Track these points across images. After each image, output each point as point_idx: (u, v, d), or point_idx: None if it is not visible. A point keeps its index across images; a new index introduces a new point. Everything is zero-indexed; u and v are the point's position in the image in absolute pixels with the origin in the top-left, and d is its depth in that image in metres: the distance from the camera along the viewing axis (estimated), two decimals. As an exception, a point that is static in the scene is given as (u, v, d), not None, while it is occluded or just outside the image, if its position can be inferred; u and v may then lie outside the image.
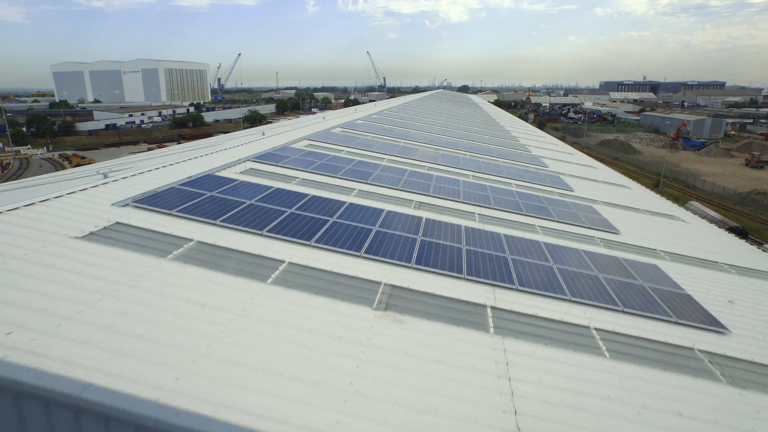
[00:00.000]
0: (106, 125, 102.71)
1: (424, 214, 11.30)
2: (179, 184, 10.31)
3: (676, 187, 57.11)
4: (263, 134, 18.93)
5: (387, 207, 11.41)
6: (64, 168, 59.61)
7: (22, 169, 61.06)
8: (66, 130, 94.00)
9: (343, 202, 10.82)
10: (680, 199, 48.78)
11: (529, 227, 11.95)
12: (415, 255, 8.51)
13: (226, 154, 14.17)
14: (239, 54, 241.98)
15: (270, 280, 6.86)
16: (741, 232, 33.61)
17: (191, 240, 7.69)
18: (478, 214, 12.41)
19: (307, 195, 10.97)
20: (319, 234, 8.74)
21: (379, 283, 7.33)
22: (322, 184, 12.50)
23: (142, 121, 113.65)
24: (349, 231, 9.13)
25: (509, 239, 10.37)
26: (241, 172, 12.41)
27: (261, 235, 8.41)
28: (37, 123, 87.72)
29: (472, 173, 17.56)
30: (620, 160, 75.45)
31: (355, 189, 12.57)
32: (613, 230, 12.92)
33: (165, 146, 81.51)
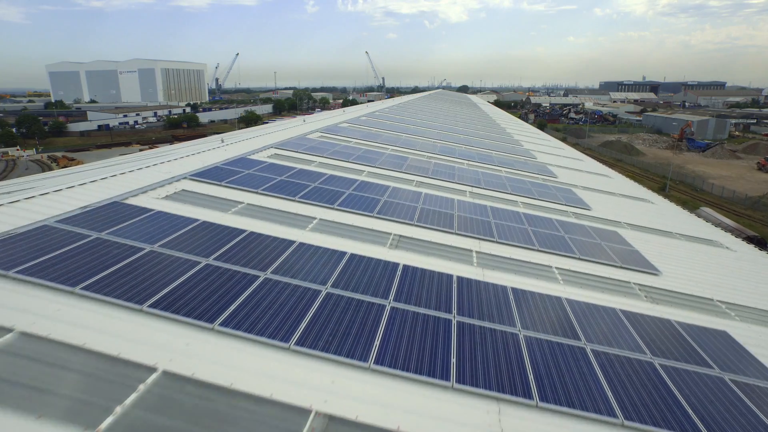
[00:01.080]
0: (99, 126, 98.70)
1: (402, 259, 8.35)
2: (55, 221, 7.33)
3: (683, 191, 53.96)
4: (222, 141, 16.14)
5: (352, 249, 8.47)
6: (51, 170, 57.09)
7: (7, 171, 58.35)
8: (57, 131, 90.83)
9: (291, 242, 7.85)
10: (688, 204, 45.96)
11: (545, 270, 8.99)
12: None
13: (160, 171, 11.20)
14: (237, 54, 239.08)
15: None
16: (759, 242, 31.23)
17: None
18: (476, 251, 9.45)
19: (243, 231, 8.02)
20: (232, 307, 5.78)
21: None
22: (271, 213, 9.52)
23: (136, 122, 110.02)
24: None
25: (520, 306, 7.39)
26: (166, 197, 9.45)
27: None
28: (28, 124, 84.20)
29: (470, 190, 14.60)
30: (623, 162, 72.51)
31: (315, 218, 9.61)
32: (653, 270, 10.00)
33: (157, 147, 79.20)
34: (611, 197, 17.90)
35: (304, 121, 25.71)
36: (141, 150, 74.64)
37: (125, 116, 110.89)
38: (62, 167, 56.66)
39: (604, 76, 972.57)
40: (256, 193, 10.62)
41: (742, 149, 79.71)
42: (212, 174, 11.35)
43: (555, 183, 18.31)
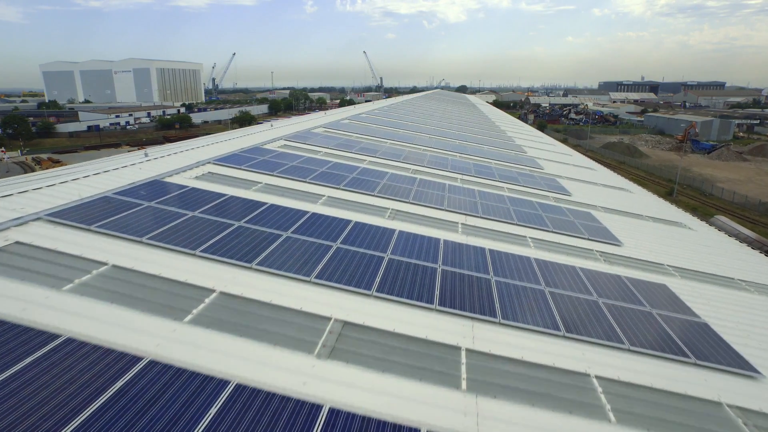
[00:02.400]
0: (88, 126, 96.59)
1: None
2: None
3: (691, 196, 52.18)
4: (146, 156, 13.05)
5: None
6: (34, 172, 56.84)
7: (-13, 173, 57.83)
8: (45, 132, 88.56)
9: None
10: (698, 210, 45.60)
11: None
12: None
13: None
14: (234, 54, 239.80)
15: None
16: None
17: None
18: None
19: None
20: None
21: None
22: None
23: (127, 123, 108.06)
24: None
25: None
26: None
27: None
28: (15, 124, 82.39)
29: (463, 222, 11.15)
30: (627, 165, 71.56)
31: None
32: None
33: (145, 149, 78.40)
34: (640, 222, 14.64)
35: (272, 125, 22.86)
36: (130, 152, 74.42)
37: (117, 117, 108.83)
38: (45, 168, 56.70)
39: (603, 76, 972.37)
40: (143, 241, 12.04)
41: (748, 151, 77.83)
42: (96, 208, 12.84)
43: (571, 204, 15.11)
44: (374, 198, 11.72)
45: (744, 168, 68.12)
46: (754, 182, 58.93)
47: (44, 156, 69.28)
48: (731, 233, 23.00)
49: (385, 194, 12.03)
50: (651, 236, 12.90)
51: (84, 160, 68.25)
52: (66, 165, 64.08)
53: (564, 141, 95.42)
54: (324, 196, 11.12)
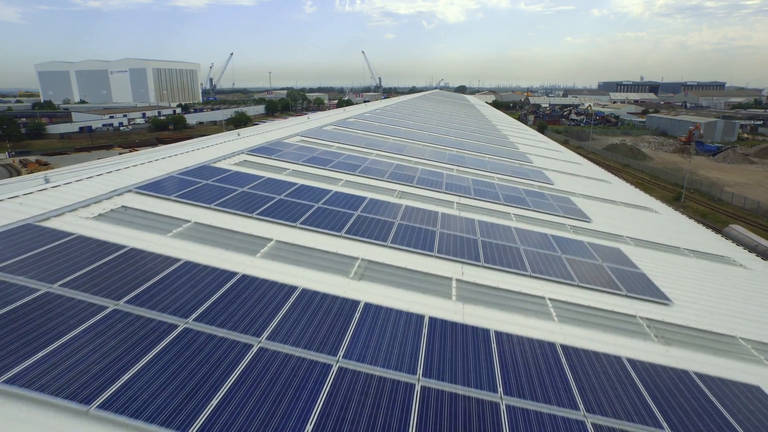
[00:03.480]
0: (80, 128, 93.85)
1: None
2: None
3: (699, 201, 49.62)
4: (45, 182, 9.74)
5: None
6: (20, 174, 54.28)
7: (-30, 176, 55.14)
8: (36, 133, 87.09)
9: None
10: (709, 217, 42.71)
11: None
12: None
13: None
14: (231, 54, 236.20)
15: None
16: None
17: None
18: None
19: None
20: None
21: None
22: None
23: (121, 123, 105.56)
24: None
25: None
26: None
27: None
28: (4, 125, 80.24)
29: (460, 271, 8.51)
30: (631, 168, 69.23)
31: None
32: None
33: (137, 151, 76.09)
34: (671, 256, 12.16)
35: (239, 135, 18.99)
36: (121, 153, 71.78)
37: (112, 117, 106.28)
38: (30, 173, 53.70)
39: (602, 76, 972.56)
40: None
41: (754, 153, 75.11)
42: None
43: (590, 234, 12.46)
44: (341, 241, 8.76)
45: (752, 171, 65.28)
46: (763, 186, 55.72)
47: (32, 158, 66.92)
48: (749, 245, 19.45)
49: (356, 235, 9.01)
50: (701, 283, 10.27)
51: (69, 162, 65.94)
52: (55, 167, 61.24)
53: (565, 142, 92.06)
54: (271, 240, 8.20)
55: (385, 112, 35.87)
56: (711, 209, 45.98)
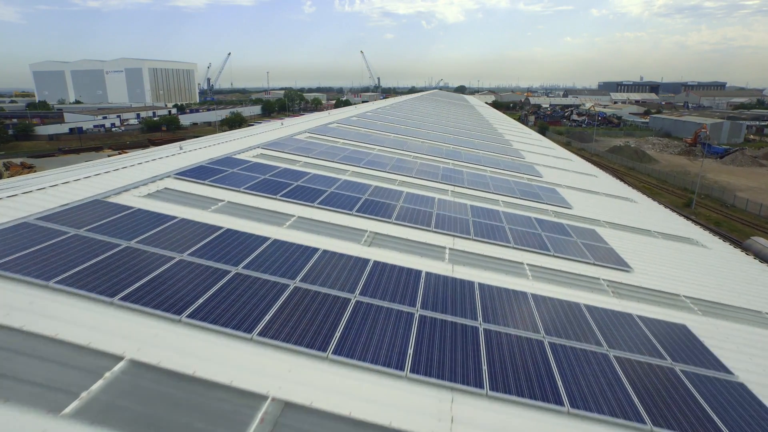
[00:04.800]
0: (70, 129, 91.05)
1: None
2: None
3: (712, 207, 46.84)
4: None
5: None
6: (1, 177, 51.83)
7: (-50, 180, 52.64)
8: (24, 134, 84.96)
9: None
10: (723, 225, 40.69)
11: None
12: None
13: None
14: (229, 53, 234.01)
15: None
16: None
17: None
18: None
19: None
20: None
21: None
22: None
23: (113, 124, 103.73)
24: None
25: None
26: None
27: None
28: None
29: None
30: (636, 171, 67.04)
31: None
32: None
33: (126, 153, 73.59)
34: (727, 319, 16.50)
35: (180, 148, 14.96)
36: (110, 156, 69.62)
37: (104, 118, 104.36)
38: (11, 175, 51.55)
39: (602, 76, 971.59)
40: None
41: (763, 155, 72.37)
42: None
43: (617, 286, 9.96)
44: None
45: (762, 174, 62.52)
46: (777, 191, 52.50)
47: (17, 161, 64.63)
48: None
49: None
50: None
51: (54, 165, 63.89)
52: (41, 170, 58.88)
53: (567, 144, 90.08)
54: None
55: (376, 114, 32.80)
56: (724, 216, 43.54)
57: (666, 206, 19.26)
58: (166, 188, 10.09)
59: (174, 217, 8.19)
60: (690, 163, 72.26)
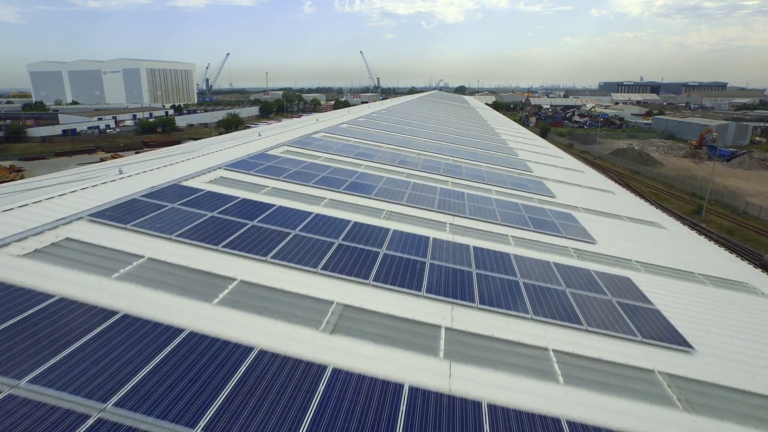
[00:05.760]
0: (63, 131, 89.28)
1: None
2: None
3: (722, 214, 44.56)
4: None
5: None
6: None
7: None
8: (16, 136, 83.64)
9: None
10: (736, 235, 38.94)
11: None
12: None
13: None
14: (228, 54, 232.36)
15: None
16: None
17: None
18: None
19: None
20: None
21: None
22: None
23: (108, 126, 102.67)
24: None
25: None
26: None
27: None
28: None
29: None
30: (641, 174, 65.43)
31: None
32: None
33: (120, 156, 72.00)
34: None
35: (120, 172, 11.76)
36: (102, 159, 68.22)
37: (100, 119, 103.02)
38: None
39: (602, 76, 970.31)
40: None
41: None
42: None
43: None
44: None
45: (770, 178, 60.79)
46: (789, 197, 50.41)
47: (6, 164, 63.27)
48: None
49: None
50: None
51: (51, 168, 62.81)
52: (31, 173, 57.67)
53: (569, 146, 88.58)
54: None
55: (369, 121, 30.19)
56: (737, 224, 41.58)
57: (714, 233, 20.62)
58: (67, 238, 8.19)
59: (52, 296, 8.80)
60: (696, 166, 70.64)
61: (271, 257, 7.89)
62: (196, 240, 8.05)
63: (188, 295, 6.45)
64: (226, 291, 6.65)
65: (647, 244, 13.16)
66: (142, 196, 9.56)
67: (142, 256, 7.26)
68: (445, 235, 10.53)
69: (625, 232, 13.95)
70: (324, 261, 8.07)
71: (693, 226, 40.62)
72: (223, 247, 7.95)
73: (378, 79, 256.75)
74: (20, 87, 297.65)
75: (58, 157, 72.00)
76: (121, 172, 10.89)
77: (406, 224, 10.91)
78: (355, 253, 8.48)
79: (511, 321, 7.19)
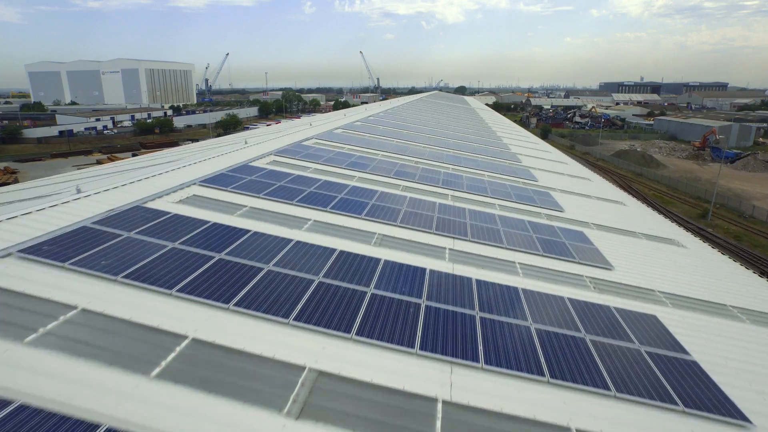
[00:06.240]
0: (60, 132, 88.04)
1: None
2: None
3: (728, 218, 43.48)
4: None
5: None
6: None
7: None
8: (12, 137, 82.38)
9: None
10: (744, 240, 37.68)
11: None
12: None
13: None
14: (227, 54, 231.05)
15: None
16: None
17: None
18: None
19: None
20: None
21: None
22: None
23: (105, 127, 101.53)
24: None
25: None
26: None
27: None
28: None
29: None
30: (644, 177, 64.28)
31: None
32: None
33: (116, 158, 70.85)
34: None
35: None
36: (99, 161, 66.99)
37: (98, 120, 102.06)
38: None
39: (602, 76, 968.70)
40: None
41: None
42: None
43: None
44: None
45: (776, 181, 59.46)
46: (793, 199, 49.14)
47: (1, 166, 62.09)
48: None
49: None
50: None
51: (46, 169, 61.64)
52: (26, 175, 56.48)
53: (571, 148, 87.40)
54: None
55: (365, 125, 28.31)
56: (744, 229, 40.41)
57: (723, 240, 19.90)
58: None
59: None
60: (700, 168, 69.49)
61: (234, 304, 6.53)
62: (147, 283, 6.65)
63: (121, 365, 5.10)
64: (172, 355, 5.34)
65: (668, 268, 11.83)
66: (93, 222, 8.18)
67: (74, 307, 5.90)
68: (444, 265, 9.34)
69: (642, 253, 12.68)
70: (298, 308, 6.72)
71: (699, 231, 39.44)
72: (177, 291, 6.57)
73: (378, 79, 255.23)
74: (19, 87, 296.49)
75: (54, 159, 71.04)
76: (78, 191, 9.63)
77: (399, 251, 9.70)
78: (338, 295, 7.18)
79: (524, 387, 5.86)
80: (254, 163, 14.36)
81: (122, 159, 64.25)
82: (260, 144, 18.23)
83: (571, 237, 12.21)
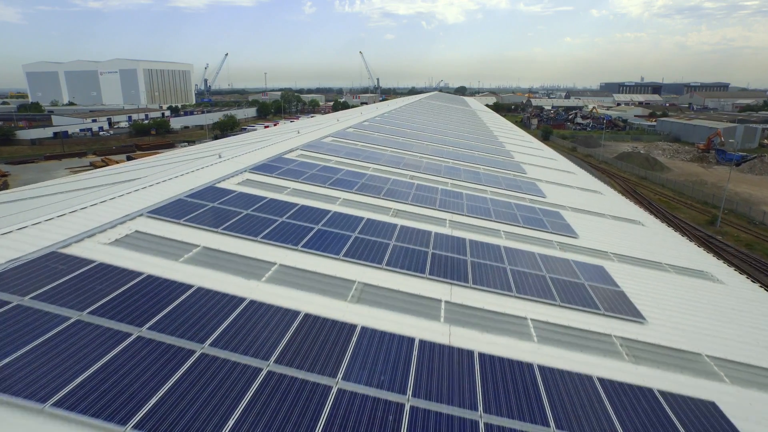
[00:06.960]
0: (55, 133, 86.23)
1: None
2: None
3: (738, 225, 41.32)
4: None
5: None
6: None
7: None
8: (6, 139, 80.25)
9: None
10: (756, 248, 35.53)
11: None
12: None
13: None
14: (226, 54, 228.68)
15: None
16: None
17: None
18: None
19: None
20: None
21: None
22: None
23: (101, 128, 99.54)
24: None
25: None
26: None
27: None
28: None
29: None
30: (649, 180, 62.30)
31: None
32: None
33: (110, 160, 69.09)
34: None
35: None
36: (92, 163, 65.05)
37: (94, 121, 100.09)
38: None
39: (602, 76, 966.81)
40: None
41: None
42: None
43: None
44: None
45: (782, 184, 57.18)
46: (803, 204, 47.02)
47: (-7, 168, 60.44)
48: None
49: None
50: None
51: (40, 171, 59.62)
52: (17, 178, 54.69)
53: (573, 150, 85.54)
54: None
55: (358, 132, 26.43)
56: (755, 237, 38.17)
57: (732, 247, 18.94)
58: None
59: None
60: (705, 171, 67.61)
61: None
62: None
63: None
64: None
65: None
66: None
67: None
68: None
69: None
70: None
71: (707, 239, 37.55)
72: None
73: (378, 79, 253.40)
74: (18, 87, 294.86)
75: (47, 161, 69.28)
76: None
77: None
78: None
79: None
80: (222, 184, 12.36)
81: (117, 161, 62.44)
82: (235, 158, 16.00)
83: (590, 275, 10.27)
